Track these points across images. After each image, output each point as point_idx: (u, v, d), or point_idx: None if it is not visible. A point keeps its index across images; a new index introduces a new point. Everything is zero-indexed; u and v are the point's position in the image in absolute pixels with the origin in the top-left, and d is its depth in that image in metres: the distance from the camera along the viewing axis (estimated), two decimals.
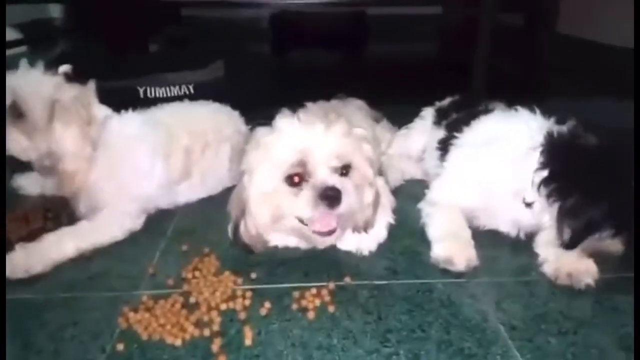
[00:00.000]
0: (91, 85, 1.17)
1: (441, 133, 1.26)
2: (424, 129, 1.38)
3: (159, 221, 1.20)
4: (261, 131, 1.01)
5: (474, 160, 1.11)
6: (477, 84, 1.51)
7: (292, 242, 1.06)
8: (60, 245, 1.03)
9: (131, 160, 1.16)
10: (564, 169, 0.99)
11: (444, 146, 1.22)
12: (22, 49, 2.89)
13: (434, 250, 1.03)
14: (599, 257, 0.97)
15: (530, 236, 1.08)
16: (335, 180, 0.95)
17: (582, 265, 0.97)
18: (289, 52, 3.52)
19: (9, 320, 0.84)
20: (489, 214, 1.11)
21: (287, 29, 3.60)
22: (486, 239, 1.10)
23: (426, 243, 1.07)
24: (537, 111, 1.11)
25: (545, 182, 1.00)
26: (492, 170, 1.08)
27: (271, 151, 0.97)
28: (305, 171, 0.96)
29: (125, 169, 1.15)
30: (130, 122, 1.20)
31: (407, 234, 1.13)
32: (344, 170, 0.98)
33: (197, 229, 1.17)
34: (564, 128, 1.04)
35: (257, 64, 2.30)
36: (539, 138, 1.04)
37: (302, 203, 0.95)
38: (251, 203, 0.99)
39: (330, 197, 0.94)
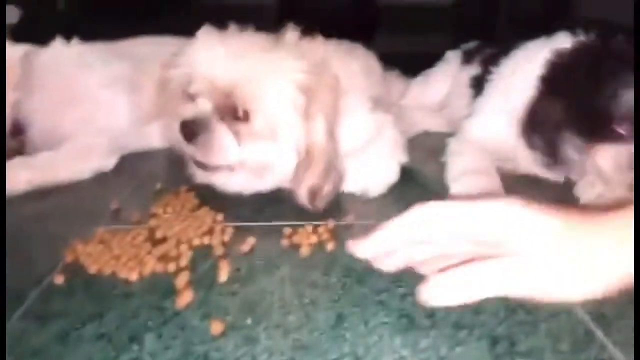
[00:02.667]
0: None
1: (473, 70, 1.09)
2: (448, 73, 1.20)
3: (131, 163, 1.03)
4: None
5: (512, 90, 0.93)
6: (500, 29, 1.35)
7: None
8: (11, 178, 0.86)
9: (80, 89, 1.00)
10: None
11: (479, 83, 1.04)
12: None
13: (452, 189, 0.86)
14: None
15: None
16: (196, 114, 0.77)
17: None
18: None
19: None
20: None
21: None
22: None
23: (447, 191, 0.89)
24: None
25: None
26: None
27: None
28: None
29: (78, 99, 0.99)
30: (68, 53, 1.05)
31: (421, 185, 0.96)
32: (242, 113, 0.77)
33: (176, 171, 0.99)
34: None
35: None
36: None
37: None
38: None
39: (185, 132, 0.78)
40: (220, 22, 0.83)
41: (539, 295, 0.47)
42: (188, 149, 0.80)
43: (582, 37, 0.85)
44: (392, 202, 0.88)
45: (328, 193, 0.81)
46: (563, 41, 0.86)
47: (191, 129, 0.77)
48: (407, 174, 0.94)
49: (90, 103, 1.01)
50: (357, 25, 3.59)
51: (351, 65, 0.98)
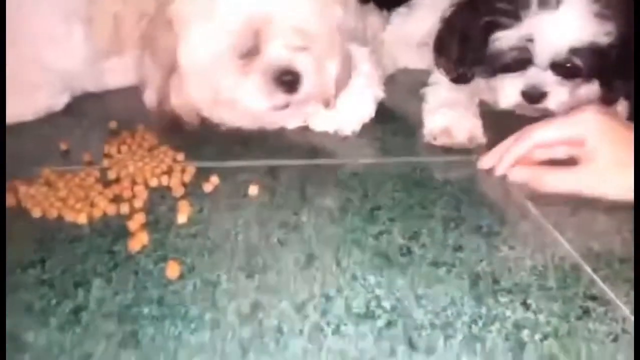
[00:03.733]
0: None
1: None
2: (434, 4, 1.10)
3: (83, 103, 0.94)
4: None
5: None
6: None
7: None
8: None
9: (30, 21, 0.88)
10: None
11: None
12: None
13: (428, 124, 0.81)
14: None
15: None
16: (292, 60, 0.74)
17: None
18: None
19: None
20: None
21: None
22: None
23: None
24: None
25: None
26: None
27: (215, 5, 0.73)
28: (256, 45, 0.73)
29: (29, 31, 0.87)
30: None
31: (400, 123, 0.89)
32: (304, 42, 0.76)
33: (132, 111, 0.90)
34: None
35: None
36: None
37: (253, 89, 0.74)
38: (185, 76, 0.76)
39: (287, 82, 0.73)
40: None
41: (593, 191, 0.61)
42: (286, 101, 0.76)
43: None
44: (367, 142, 0.82)
45: None
46: None
47: (291, 79, 0.74)
48: (384, 112, 0.88)
49: (40, 37, 0.89)
50: None
51: None
